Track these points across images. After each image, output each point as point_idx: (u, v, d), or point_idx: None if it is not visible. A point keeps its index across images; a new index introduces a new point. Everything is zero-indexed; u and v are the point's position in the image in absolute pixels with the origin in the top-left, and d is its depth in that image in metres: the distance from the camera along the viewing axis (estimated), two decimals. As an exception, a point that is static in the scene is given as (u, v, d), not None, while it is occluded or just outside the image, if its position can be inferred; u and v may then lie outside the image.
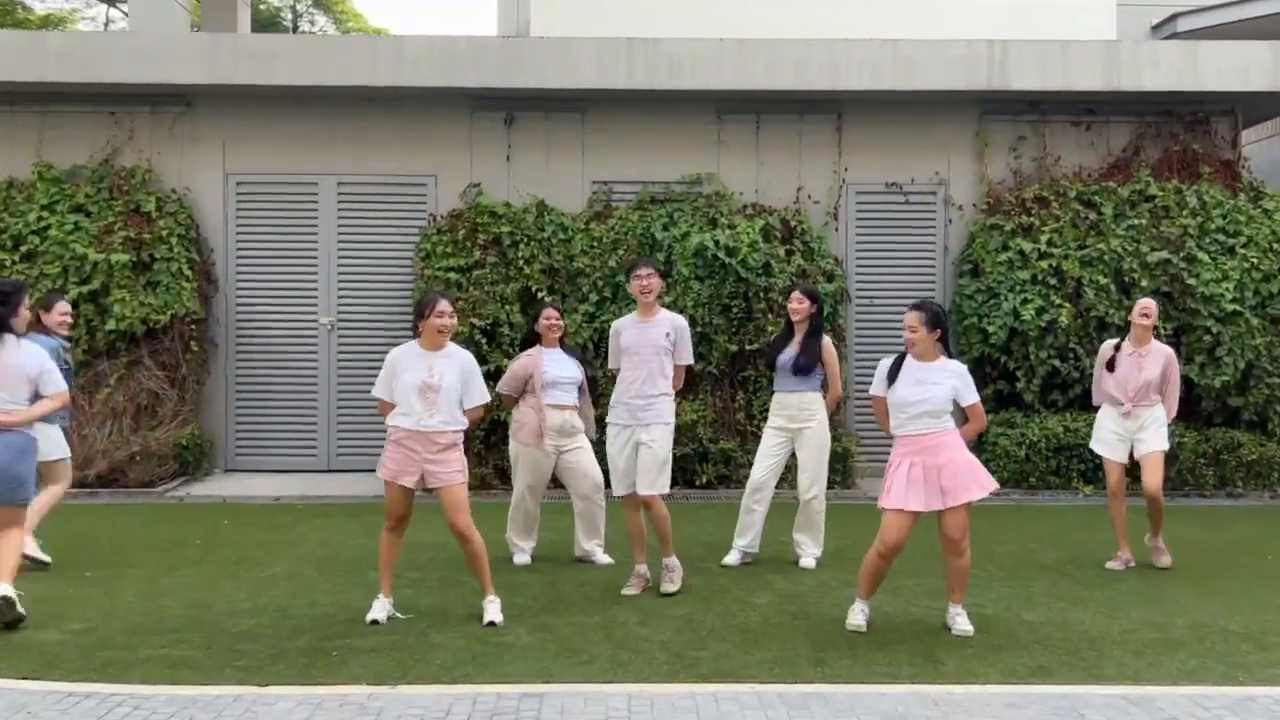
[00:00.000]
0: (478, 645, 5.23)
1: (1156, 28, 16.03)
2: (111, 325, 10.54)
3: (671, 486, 9.77)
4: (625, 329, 6.52)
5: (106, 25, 35.15)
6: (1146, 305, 7.25)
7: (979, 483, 5.48)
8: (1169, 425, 7.27)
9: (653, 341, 6.40)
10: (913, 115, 11.55)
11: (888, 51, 11.01)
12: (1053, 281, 10.72)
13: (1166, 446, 7.16)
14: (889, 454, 5.59)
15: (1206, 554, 7.57)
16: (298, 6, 38.03)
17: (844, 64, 10.98)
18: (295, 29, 37.23)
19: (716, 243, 10.57)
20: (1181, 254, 10.75)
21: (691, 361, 6.66)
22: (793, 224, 11.09)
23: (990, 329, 10.69)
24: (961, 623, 5.52)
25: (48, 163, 11.21)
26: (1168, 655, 5.17)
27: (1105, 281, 10.64)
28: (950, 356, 5.68)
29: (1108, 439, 7.20)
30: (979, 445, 10.70)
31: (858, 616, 5.58)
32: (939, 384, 5.50)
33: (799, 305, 7.13)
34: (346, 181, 11.46)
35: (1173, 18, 15.72)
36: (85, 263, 10.63)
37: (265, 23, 34.70)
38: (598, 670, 4.88)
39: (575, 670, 4.88)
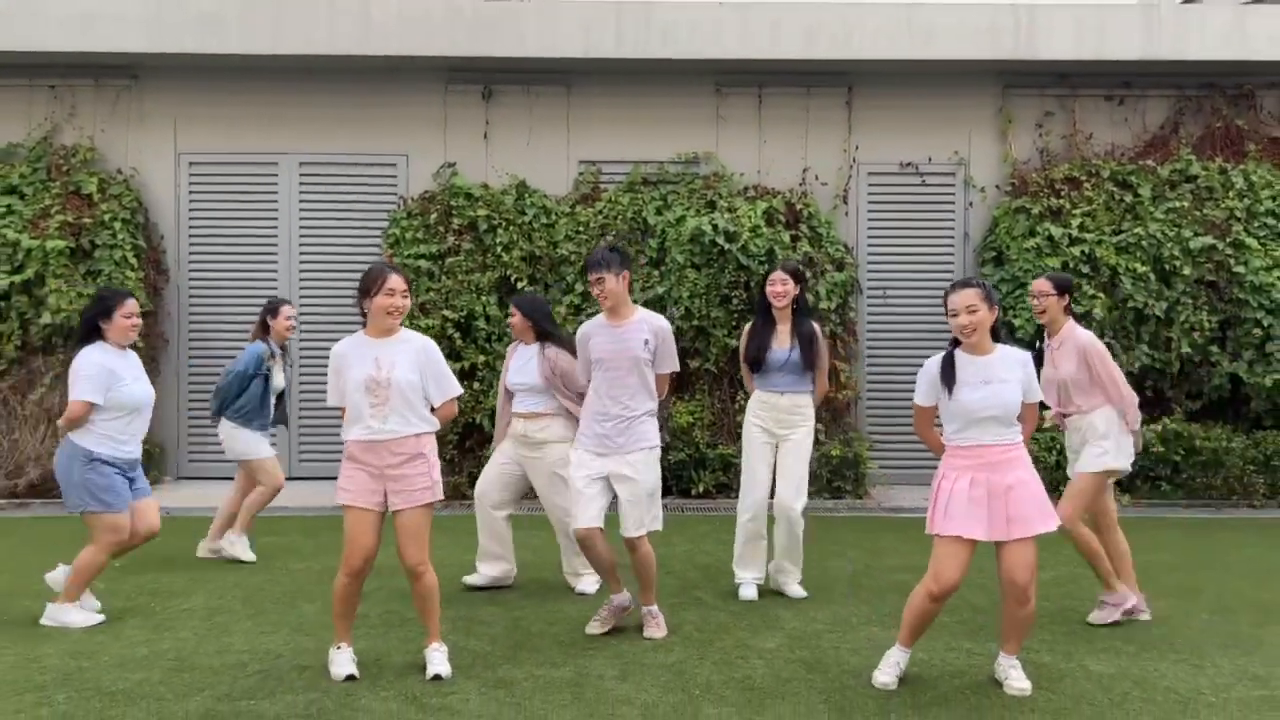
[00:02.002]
0: (413, 710, 4.16)
1: (1186, 0, 15.02)
2: (46, 319, 9.53)
3: (665, 496, 8.72)
4: (595, 334, 5.29)
5: None
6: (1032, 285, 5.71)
7: (1048, 514, 4.38)
8: (1137, 430, 5.57)
9: (629, 351, 5.21)
10: (930, 88, 10.52)
11: (903, 17, 9.99)
12: (1085, 270, 9.71)
13: (1092, 469, 5.42)
14: (903, 460, 4.49)
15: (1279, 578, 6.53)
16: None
17: (855, 31, 9.97)
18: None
19: (715, 227, 9.57)
20: (1228, 239, 9.76)
21: (676, 368, 5.41)
22: (798, 207, 10.08)
23: (1016, 323, 9.69)
24: (1017, 678, 4.43)
25: (-21, 140, 10.21)
26: (1280, 722, 4.12)
27: (1143, 270, 9.63)
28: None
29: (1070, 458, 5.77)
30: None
31: (890, 672, 4.48)
32: (1007, 381, 4.41)
33: (782, 288, 5.96)
34: (309, 161, 10.44)
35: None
36: (18, 250, 9.64)
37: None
38: (560, 748, 3.84)
39: (532, 747, 3.83)
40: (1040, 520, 4.34)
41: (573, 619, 5.50)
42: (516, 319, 6.15)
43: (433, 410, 4.68)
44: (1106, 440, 5.42)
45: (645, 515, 5.17)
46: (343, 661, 4.56)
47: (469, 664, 4.73)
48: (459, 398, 4.80)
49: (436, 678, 4.52)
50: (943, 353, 4.50)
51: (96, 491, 5.34)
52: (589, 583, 6.14)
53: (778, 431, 5.99)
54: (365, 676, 4.56)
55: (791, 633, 5.28)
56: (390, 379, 4.52)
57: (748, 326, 6.17)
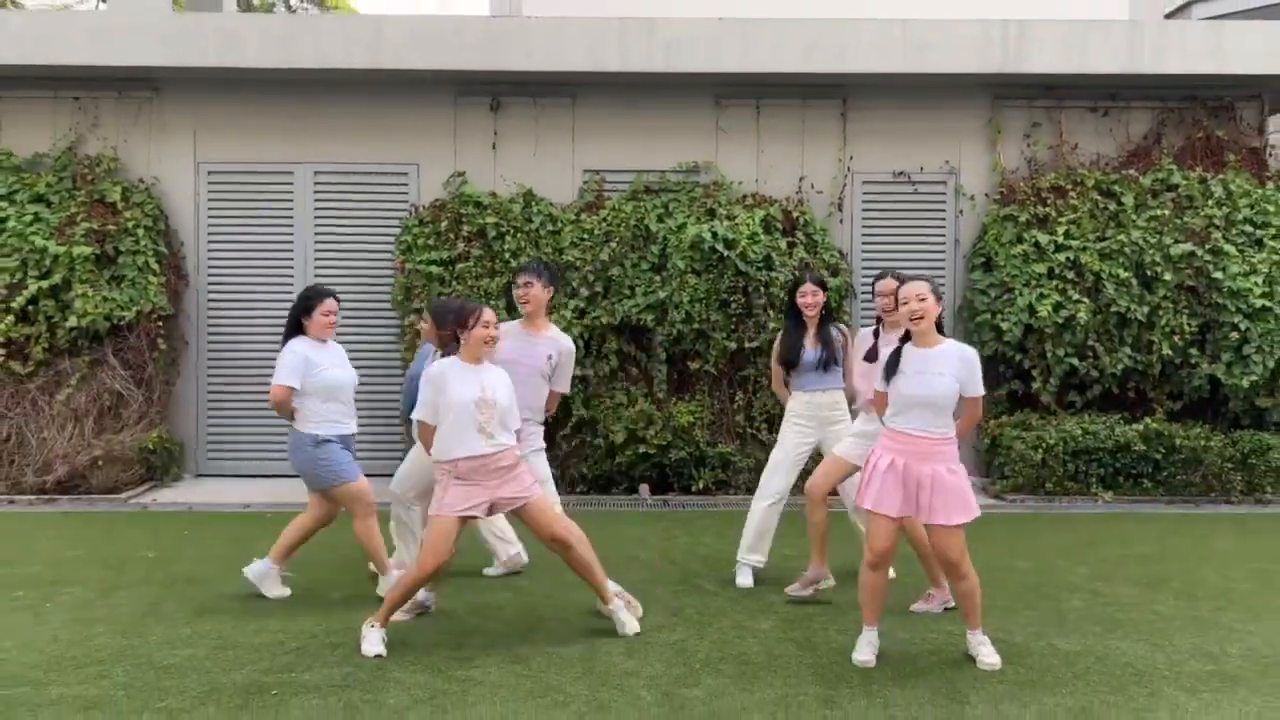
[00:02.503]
0: (440, 681, 4.59)
1: (1170, 16, 15.45)
2: (73, 322, 9.92)
3: (666, 493, 9.18)
4: (510, 336, 5.71)
5: (93, 9, 34.56)
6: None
7: (962, 508, 4.77)
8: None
9: (535, 361, 5.69)
10: (922, 100, 10.93)
11: (896, 32, 10.39)
12: (1070, 275, 10.11)
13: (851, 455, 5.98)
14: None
15: (1247, 568, 6.94)
16: (291, 2, 37.45)
17: (850, 45, 10.37)
18: (288, 23, 36.60)
19: (714, 234, 9.97)
20: (1207, 246, 10.16)
21: (568, 390, 5.90)
22: (795, 215, 10.48)
23: (1004, 326, 10.09)
24: (986, 653, 4.86)
25: (7, 150, 10.58)
26: (1226, 693, 4.53)
27: (1126, 275, 10.03)
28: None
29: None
30: (993, 447, 10.13)
31: (866, 651, 4.92)
32: (943, 374, 4.82)
33: (813, 298, 6.50)
34: (323, 170, 10.84)
35: (1187, 5, 15.17)
36: (45, 256, 10.01)
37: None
38: (574, 713, 4.24)
39: (548, 713, 4.24)
40: (959, 512, 4.74)
41: (582, 606, 5.91)
42: (428, 325, 6.54)
43: None
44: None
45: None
46: (374, 640, 4.98)
47: (488, 643, 5.15)
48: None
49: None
50: (895, 345, 4.95)
51: (332, 467, 5.91)
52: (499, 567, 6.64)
53: (822, 430, 6.46)
54: (391, 656, 4.97)
55: (785, 616, 5.69)
56: (495, 400, 5.07)
57: (780, 333, 6.65)
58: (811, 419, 6.46)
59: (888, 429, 4.91)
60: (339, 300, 6.31)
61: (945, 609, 5.82)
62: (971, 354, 4.91)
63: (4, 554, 7.19)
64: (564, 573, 6.61)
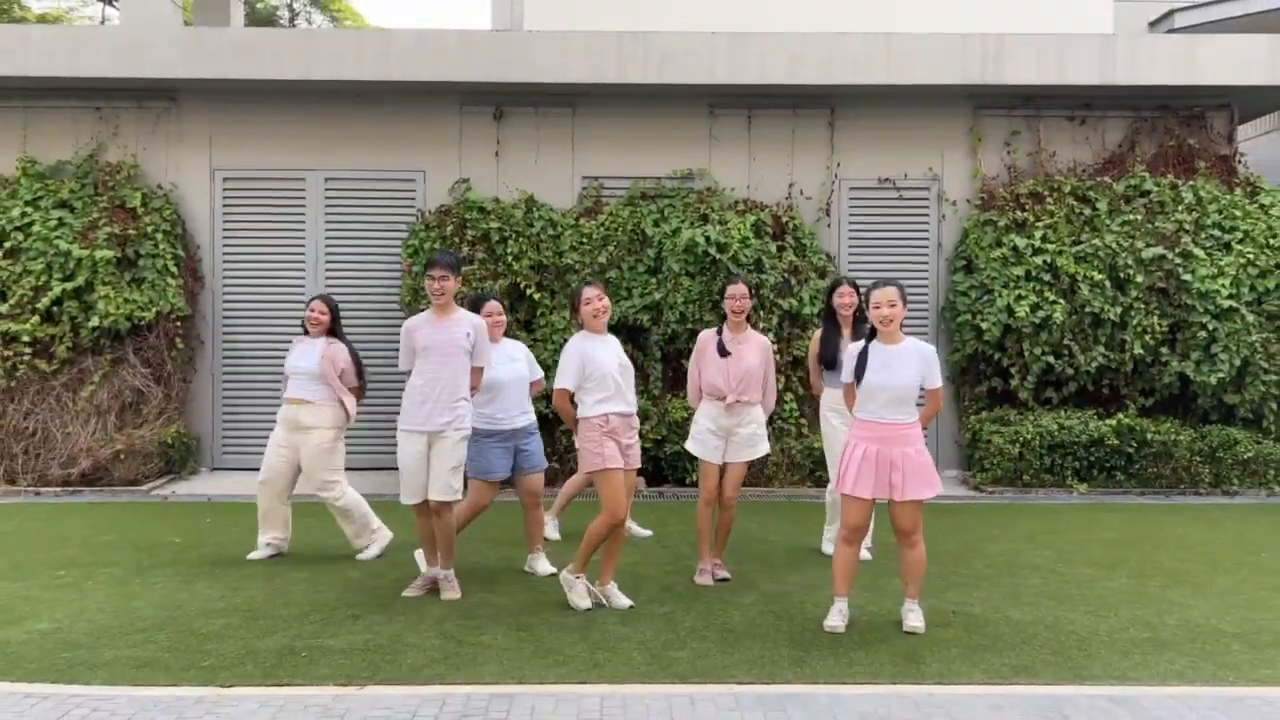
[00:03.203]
0: (452, 645, 5.10)
1: (1154, 24, 15.94)
2: (96, 322, 10.44)
3: (660, 485, 9.73)
4: (422, 327, 6.09)
5: (103, 24, 35.06)
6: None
7: (929, 483, 5.39)
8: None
9: (454, 341, 6.02)
10: (906, 110, 11.44)
11: (881, 45, 10.89)
12: (1047, 277, 10.62)
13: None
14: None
15: (1200, 553, 7.45)
16: (294, 5, 37.92)
17: (837, 58, 10.87)
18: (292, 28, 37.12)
19: (707, 239, 10.47)
20: (1177, 249, 10.65)
21: (488, 365, 6.30)
22: (784, 220, 10.99)
23: (984, 325, 10.59)
24: (914, 618, 5.42)
25: (32, 158, 11.11)
26: (1156, 655, 5.04)
27: (1100, 277, 10.53)
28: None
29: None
30: (973, 442, 10.62)
31: (836, 618, 5.46)
32: (906, 369, 5.41)
33: (850, 299, 7.02)
34: (334, 177, 11.35)
35: (1169, 14, 15.64)
36: (69, 259, 10.53)
37: (262, 21, 34.58)
38: (573, 671, 4.76)
39: (550, 671, 4.75)
40: (925, 487, 5.35)
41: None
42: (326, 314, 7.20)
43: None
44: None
45: (452, 483, 5.99)
46: (580, 590, 5.86)
47: (494, 615, 5.67)
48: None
49: (632, 608, 5.77)
50: (863, 342, 5.51)
51: (473, 457, 6.40)
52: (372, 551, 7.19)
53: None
54: (407, 625, 5.48)
55: (766, 592, 6.21)
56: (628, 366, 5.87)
57: (818, 334, 7.18)
58: (846, 411, 7.02)
59: (859, 419, 5.44)
60: (501, 302, 6.85)
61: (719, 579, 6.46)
62: (930, 350, 5.47)
63: (40, 540, 7.70)
64: (565, 555, 7.12)
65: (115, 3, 34.41)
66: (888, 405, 5.37)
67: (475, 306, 6.62)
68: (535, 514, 6.73)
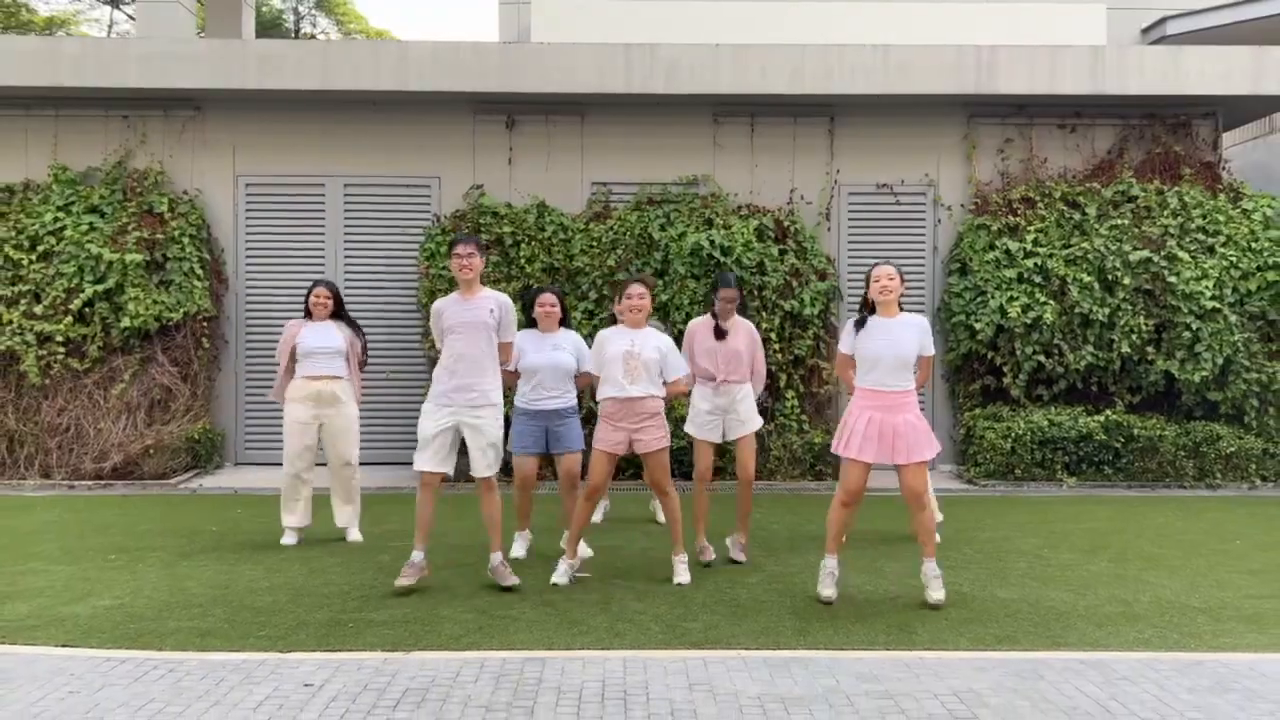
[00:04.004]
0: (484, 618, 5.58)
1: (1146, 31, 16.39)
2: (126, 323, 10.88)
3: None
4: (449, 308, 6.32)
5: (110, 27, 35.51)
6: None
7: (930, 445, 5.94)
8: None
9: (479, 318, 6.25)
10: (903, 118, 11.90)
11: (879, 56, 11.35)
12: (1038, 279, 11.06)
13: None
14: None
15: (1179, 540, 7.92)
16: (300, 8, 38.40)
17: (837, 69, 11.33)
18: (297, 31, 37.60)
19: (712, 242, 10.91)
20: (1162, 253, 11.08)
21: (514, 339, 6.58)
22: (786, 224, 11.43)
23: (978, 326, 11.03)
24: (935, 588, 5.86)
25: (63, 165, 11.57)
26: (1128, 626, 5.52)
27: (1089, 279, 10.97)
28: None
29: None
30: (967, 437, 11.08)
31: (828, 583, 5.95)
32: (904, 339, 5.94)
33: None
34: (353, 183, 11.81)
35: (1162, 21, 16.08)
36: (100, 262, 10.97)
37: (267, 25, 35.04)
38: (596, 639, 5.23)
39: (575, 639, 5.23)
40: (927, 449, 5.90)
41: (597, 565, 6.89)
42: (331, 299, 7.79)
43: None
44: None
45: (490, 459, 6.27)
46: (562, 570, 6.42)
47: (521, 592, 6.14)
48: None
49: (679, 585, 6.31)
50: (859, 315, 6.11)
51: (510, 434, 6.89)
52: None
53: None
54: (440, 601, 5.95)
55: (771, 573, 6.69)
56: (641, 355, 6.31)
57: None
58: None
59: (860, 388, 5.95)
60: (558, 294, 7.20)
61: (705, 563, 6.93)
62: (924, 321, 6.12)
63: (82, 529, 8.16)
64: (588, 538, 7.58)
65: (122, 6, 34.90)
66: (890, 372, 5.89)
67: (529, 300, 7.15)
68: (572, 496, 7.13)
